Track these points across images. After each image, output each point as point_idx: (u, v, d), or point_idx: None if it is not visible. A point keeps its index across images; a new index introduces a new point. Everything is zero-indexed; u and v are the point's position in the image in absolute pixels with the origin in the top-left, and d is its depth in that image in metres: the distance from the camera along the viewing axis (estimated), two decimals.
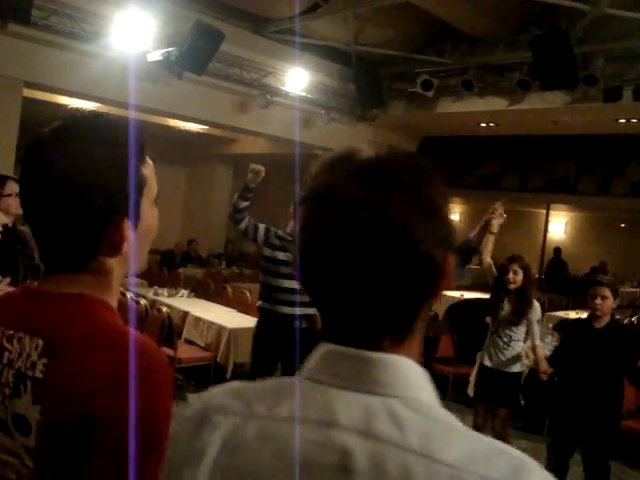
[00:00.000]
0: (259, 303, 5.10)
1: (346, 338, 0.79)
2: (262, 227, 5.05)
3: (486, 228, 4.99)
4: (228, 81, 9.71)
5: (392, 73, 11.05)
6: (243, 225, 4.96)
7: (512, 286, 4.90)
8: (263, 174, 4.93)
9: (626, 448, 5.71)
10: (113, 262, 1.05)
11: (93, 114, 1.07)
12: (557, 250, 15.13)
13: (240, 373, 6.69)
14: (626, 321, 9.10)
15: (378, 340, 0.79)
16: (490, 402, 5.07)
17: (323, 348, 0.82)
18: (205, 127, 12.90)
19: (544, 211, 17.26)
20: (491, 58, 9.84)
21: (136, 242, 1.05)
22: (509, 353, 4.94)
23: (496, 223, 4.96)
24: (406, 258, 0.76)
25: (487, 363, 5.05)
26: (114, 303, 1.06)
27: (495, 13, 9.18)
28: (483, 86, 9.95)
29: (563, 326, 4.96)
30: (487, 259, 5.10)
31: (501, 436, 4.83)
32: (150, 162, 1.10)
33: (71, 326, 0.98)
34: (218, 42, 8.38)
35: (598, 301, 4.29)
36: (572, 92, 9.04)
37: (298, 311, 4.81)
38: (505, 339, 4.96)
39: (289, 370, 4.81)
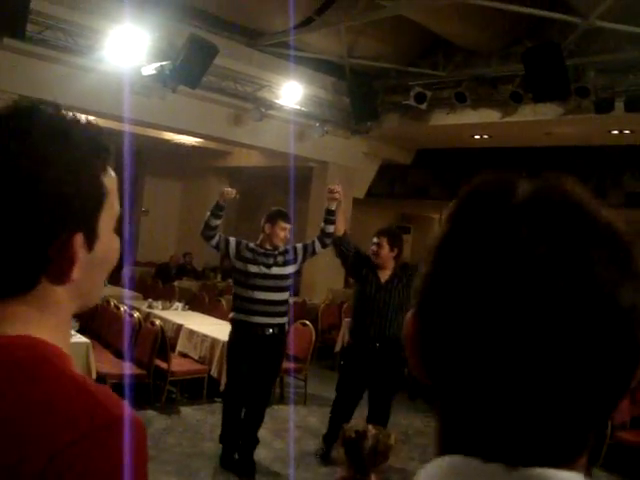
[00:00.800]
0: (232, 315, 5.21)
1: (520, 451, 0.56)
2: (233, 241, 5.18)
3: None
4: (222, 94, 9.75)
5: (386, 86, 11.10)
6: (214, 241, 5.12)
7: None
8: (234, 196, 5.16)
9: (619, 459, 5.71)
10: (62, 292, 0.83)
11: (46, 104, 0.85)
12: None
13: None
14: None
15: (577, 453, 0.58)
16: None
17: (460, 465, 0.59)
18: (200, 140, 12.94)
19: None
20: (484, 70, 9.90)
21: (89, 268, 0.84)
22: None
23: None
24: (615, 331, 0.56)
25: None
26: (67, 350, 0.84)
27: (488, 26, 9.25)
28: (476, 98, 10.00)
29: None
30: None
31: None
32: (113, 174, 0.89)
33: (15, 390, 0.75)
34: (212, 56, 8.42)
35: None
36: (564, 104, 9.09)
37: (271, 320, 5.04)
38: None
39: (263, 373, 5.13)
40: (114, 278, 11.53)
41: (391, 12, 8.58)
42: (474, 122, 10.48)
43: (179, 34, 8.44)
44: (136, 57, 8.23)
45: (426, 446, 6.14)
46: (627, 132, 10.10)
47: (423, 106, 10.13)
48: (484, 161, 15.70)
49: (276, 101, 10.21)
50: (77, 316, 7.65)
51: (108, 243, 0.87)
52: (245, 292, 5.06)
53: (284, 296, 5.16)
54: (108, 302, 7.85)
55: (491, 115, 10.16)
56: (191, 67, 8.34)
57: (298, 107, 10.43)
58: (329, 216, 5.24)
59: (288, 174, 9.36)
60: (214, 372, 6.74)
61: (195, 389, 6.96)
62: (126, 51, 8.06)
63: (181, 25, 8.73)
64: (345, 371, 5.64)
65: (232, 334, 5.22)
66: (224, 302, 9.53)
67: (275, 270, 5.08)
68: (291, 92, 10.16)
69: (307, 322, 7.57)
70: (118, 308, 7.56)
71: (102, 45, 8.06)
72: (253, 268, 5.05)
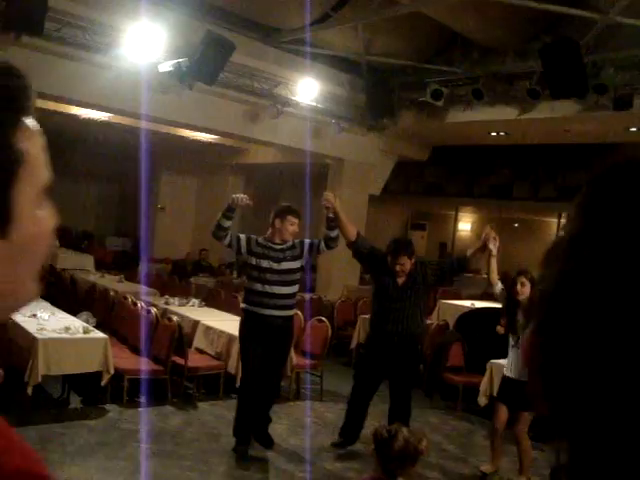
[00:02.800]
0: (244, 306, 5.43)
1: None
2: (243, 237, 5.39)
3: (483, 250, 5.39)
4: (239, 91, 9.76)
5: (402, 83, 11.07)
6: (226, 241, 5.32)
7: (521, 297, 5.20)
8: (245, 203, 5.23)
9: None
10: None
11: None
12: None
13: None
14: None
15: None
16: (515, 409, 5.19)
17: None
18: (216, 137, 12.97)
19: (555, 220, 17.20)
20: (501, 67, 9.85)
21: (5, 261, 0.60)
22: None
23: (493, 247, 5.34)
24: None
25: (510, 374, 5.25)
26: None
27: (505, 22, 9.20)
28: (493, 95, 9.95)
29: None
30: (496, 282, 5.48)
31: (520, 438, 5.10)
32: (35, 129, 0.64)
33: None
34: (229, 52, 8.44)
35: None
36: (582, 101, 9.01)
37: (281, 313, 5.28)
38: None
39: (273, 357, 5.35)
40: (130, 274, 11.60)
41: (408, 9, 8.56)
42: (491, 119, 10.43)
43: (196, 31, 8.46)
44: (153, 54, 8.26)
45: (441, 443, 6.14)
46: None
47: (439, 103, 10.10)
48: (501, 158, 15.65)
49: (292, 98, 10.21)
50: (94, 312, 7.71)
51: (31, 226, 0.62)
52: (256, 286, 5.26)
53: (293, 289, 5.39)
54: (125, 298, 7.90)
55: (508, 112, 10.10)
56: (208, 64, 8.36)
57: (314, 104, 10.43)
58: (329, 222, 5.41)
59: (304, 171, 9.36)
60: (231, 368, 6.76)
61: (212, 385, 6.98)
62: (143, 48, 8.09)
63: (198, 22, 8.75)
64: (364, 361, 5.85)
65: (243, 323, 5.42)
66: (240, 298, 9.55)
67: (285, 265, 5.27)
68: (307, 89, 10.16)
69: (323, 318, 7.58)
70: (135, 304, 7.59)
71: (119, 42, 8.10)
72: (264, 263, 5.25)
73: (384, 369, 5.55)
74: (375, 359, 5.57)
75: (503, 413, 5.28)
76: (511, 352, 5.28)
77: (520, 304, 5.18)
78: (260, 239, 5.34)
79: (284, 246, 5.30)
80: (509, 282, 5.37)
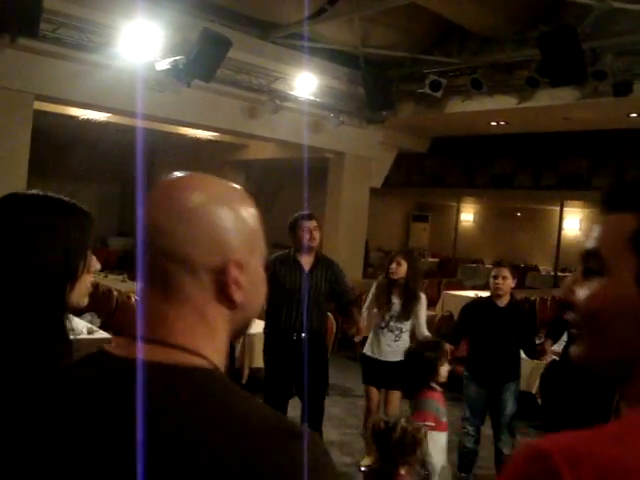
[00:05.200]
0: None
1: None
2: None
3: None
4: (237, 87, 9.74)
5: (400, 74, 11.04)
6: None
7: (394, 276, 5.11)
8: None
9: None
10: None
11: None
12: None
13: (256, 378, 6.69)
14: None
15: None
16: (382, 386, 5.19)
17: None
18: (215, 134, 12.95)
19: (558, 208, 17.19)
20: (499, 56, 9.81)
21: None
22: (399, 345, 5.08)
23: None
24: None
25: (372, 354, 5.22)
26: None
27: (502, 11, 9.16)
28: (492, 85, 9.92)
29: (465, 307, 5.23)
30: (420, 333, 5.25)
31: None
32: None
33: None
34: (226, 49, 8.41)
35: (499, 281, 4.77)
36: (582, 88, 8.99)
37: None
38: (396, 332, 5.16)
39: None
40: (132, 274, 11.57)
41: (404, 0, 8.52)
42: (490, 109, 10.40)
43: (192, 28, 8.43)
44: (150, 52, 8.23)
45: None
46: None
47: (438, 94, 10.07)
48: (501, 148, 15.62)
49: (291, 93, 10.18)
50: (98, 312, 7.71)
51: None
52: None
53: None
54: (129, 297, 7.89)
55: (508, 101, 10.08)
56: (205, 61, 8.34)
57: (313, 98, 10.40)
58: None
59: (304, 166, 9.34)
60: (236, 364, 6.76)
61: None
62: (139, 47, 8.06)
63: (194, 19, 8.72)
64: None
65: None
66: None
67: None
68: (305, 83, 10.13)
69: (328, 313, 7.55)
70: (129, 298, 7.58)
71: (116, 42, 8.08)
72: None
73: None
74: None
75: (375, 395, 5.24)
76: (376, 332, 5.25)
77: (397, 285, 5.13)
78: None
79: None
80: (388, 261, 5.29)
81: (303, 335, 4.80)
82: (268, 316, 5.06)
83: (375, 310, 5.35)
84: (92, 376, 0.85)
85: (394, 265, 5.11)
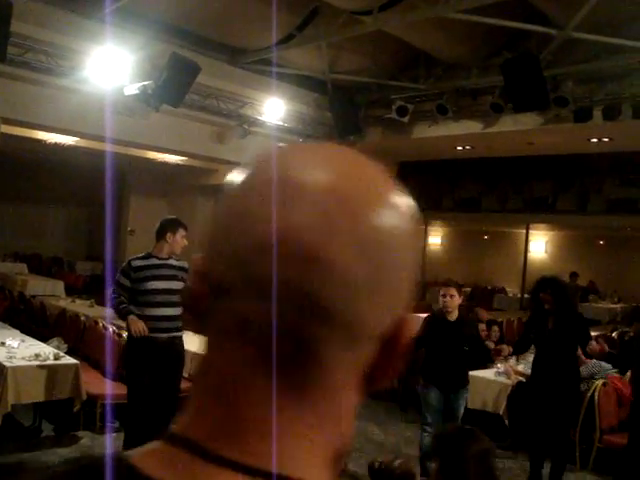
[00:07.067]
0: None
1: None
2: (122, 279, 5.18)
3: None
4: (205, 112, 9.79)
5: (368, 100, 11.18)
6: (121, 299, 5.10)
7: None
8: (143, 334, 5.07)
9: (606, 462, 5.76)
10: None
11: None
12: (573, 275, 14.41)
13: None
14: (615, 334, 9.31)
15: None
16: None
17: None
18: (184, 158, 12.93)
19: (524, 231, 17.43)
20: (464, 82, 10.01)
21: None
22: None
23: None
24: None
25: None
26: None
27: (467, 39, 9.35)
28: (457, 110, 10.10)
29: (424, 319, 5.50)
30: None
31: None
32: None
33: None
34: (194, 74, 8.47)
35: (447, 299, 5.11)
36: (544, 114, 9.19)
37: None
38: None
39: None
40: (102, 299, 11.47)
41: (371, 27, 8.67)
42: (456, 134, 10.57)
43: (161, 53, 8.47)
44: (118, 77, 8.25)
45: (417, 457, 6.14)
46: (606, 140, 10.23)
47: (405, 119, 10.22)
48: (468, 172, 15.85)
49: (259, 118, 10.26)
50: (65, 338, 7.62)
51: None
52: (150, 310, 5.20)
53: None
54: (96, 322, 7.82)
55: (473, 126, 10.26)
56: (173, 86, 8.38)
57: (281, 123, 10.49)
58: None
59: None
60: None
61: None
62: (108, 71, 8.08)
63: (163, 44, 8.77)
64: None
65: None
66: None
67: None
68: (274, 108, 10.21)
69: None
70: (106, 329, 7.52)
71: (84, 66, 8.09)
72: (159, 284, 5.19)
73: None
74: None
75: None
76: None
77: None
78: (137, 262, 5.39)
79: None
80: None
81: None
82: None
83: None
84: None
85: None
